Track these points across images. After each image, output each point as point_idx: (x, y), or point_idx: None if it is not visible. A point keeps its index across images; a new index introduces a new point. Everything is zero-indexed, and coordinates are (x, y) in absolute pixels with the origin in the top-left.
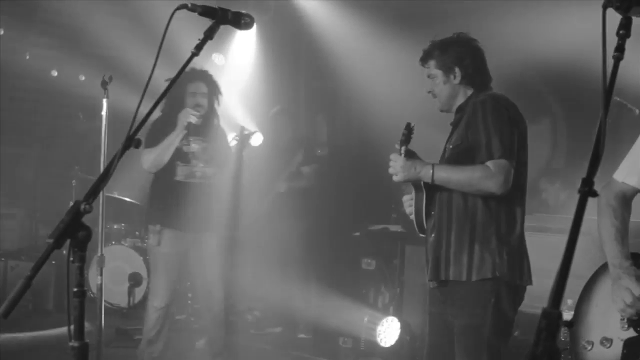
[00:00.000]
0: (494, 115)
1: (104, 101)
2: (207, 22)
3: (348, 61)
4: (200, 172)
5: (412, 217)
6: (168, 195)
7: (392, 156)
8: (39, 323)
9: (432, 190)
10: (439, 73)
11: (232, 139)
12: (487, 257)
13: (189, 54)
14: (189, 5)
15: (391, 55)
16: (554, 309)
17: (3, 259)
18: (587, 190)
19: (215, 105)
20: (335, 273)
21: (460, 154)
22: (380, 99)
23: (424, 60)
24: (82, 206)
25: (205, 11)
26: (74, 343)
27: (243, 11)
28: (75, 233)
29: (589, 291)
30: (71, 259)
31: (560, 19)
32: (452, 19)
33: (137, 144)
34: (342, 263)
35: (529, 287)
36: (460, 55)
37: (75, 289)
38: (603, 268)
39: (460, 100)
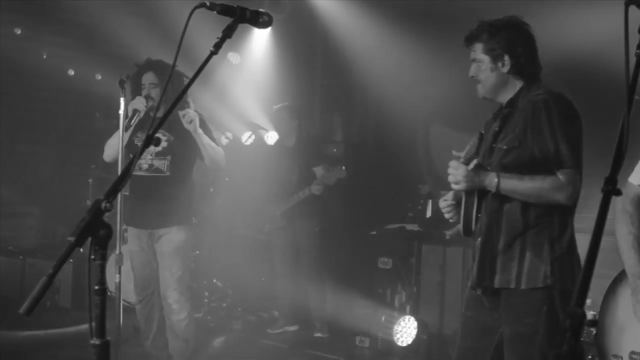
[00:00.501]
0: (561, 119)
1: (122, 100)
2: (222, 21)
3: (364, 59)
4: (147, 164)
5: (456, 219)
6: (129, 192)
7: (453, 164)
8: (57, 320)
9: (482, 194)
10: (485, 59)
11: (247, 137)
12: (538, 265)
13: (206, 52)
14: (208, 3)
15: (408, 53)
16: (578, 309)
17: (21, 257)
18: (610, 189)
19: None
20: (351, 272)
21: (520, 159)
22: (396, 98)
23: (470, 41)
24: (103, 204)
25: (223, 10)
26: (95, 340)
27: (261, 10)
28: (96, 231)
29: (610, 302)
30: (92, 257)
31: (578, 16)
32: (469, 16)
33: (157, 143)
34: (358, 262)
35: None
36: (511, 41)
37: (96, 287)
38: (622, 275)
39: (509, 92)
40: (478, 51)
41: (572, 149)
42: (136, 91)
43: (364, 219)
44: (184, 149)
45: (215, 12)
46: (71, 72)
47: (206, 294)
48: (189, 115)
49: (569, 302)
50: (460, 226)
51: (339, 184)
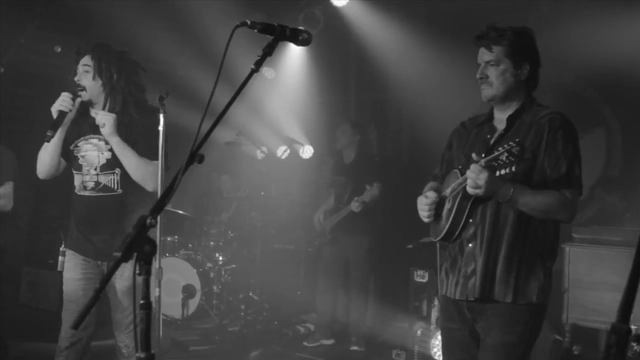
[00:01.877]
0: (575, 141)
1: (161, 116)
2: (246, 35)
3: (398, 72)
4: (92, 182)
5: (438, 222)
6: (71, 212)
7: (476, 168)
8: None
9: (476, 200)
10: (507, 62)
11: (282, 151)
12: (533, 281)
13: (237, 68)
14: (249, 22)
15: (443, 66)
16: (622, 324)
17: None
18: None
19: (118, 85)
20: (387, 285)
21: (528, 172)
22: (431, 110)
23: (493, 42)
24: (148, 220)
25: (264, 28)
26: (141, 354)
27: (301, 27)
28: (141, 247)
29: None
30: (137, 272)
31: (614, 28)
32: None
33: (200, 160)
34: (394, 275)
35: (585, 301)
36: (531, 50)
37: (141, 302)
38: None
39: (514, 101)
40: (499, 53)
41: (580, 172)
42: (72, 84)
43: (399, 232)
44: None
45: (256, 30)
46: None
47: (242, 307)
48: (99, 118)
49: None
50: (442, 229)
51: (377, 200)
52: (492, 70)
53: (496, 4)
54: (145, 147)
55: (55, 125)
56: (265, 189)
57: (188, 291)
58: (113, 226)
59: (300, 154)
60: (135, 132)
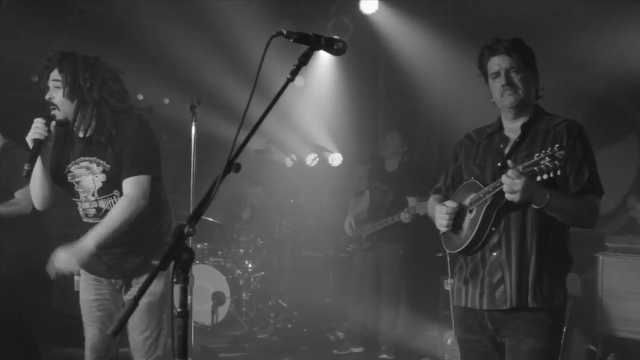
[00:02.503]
0: (591, 148)
1: (193, 125)
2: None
3: (427, 80)
4: (93, 209)
5: (457, 232)
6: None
7: (513, 173)
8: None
9: (502, 208)
10: (526, 70)
11: (311, 159)
12: (557, 287)
13: (266, 76)
14: (284, 32)
15: (472, 73)
16: None
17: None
18: None
19: (90, 97)
20: (417, 294)
21: (552, 179)
22: (460, 118)
23: (510, 50)
24: (186, 229)
25: (300, 38)
26: None
27: (336, 37)
28: (179, 255)
29: None
30: (175, 280)
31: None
32: (537, 37)
33: (237, 169)
34: (424, 284)
35: (619, 311)
36: (535, 62)
37: (179, 310)
38: None
39: (527, 112)
40: (517, 60)
41: (599, 178)
42: (45, 107)
43: (429, 240)
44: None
45: (291, 40)
46: (140, 97)
47: (272, 314)
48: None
49: None
50: (465, 240)
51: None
52: (516, 76)
53: (525, 10)
54: (132, 164)
55: (32, 157)
56: (295, 197)
57: (217, 298)
58: (124, 246)
59: (330, 162)
60: (119, 148)
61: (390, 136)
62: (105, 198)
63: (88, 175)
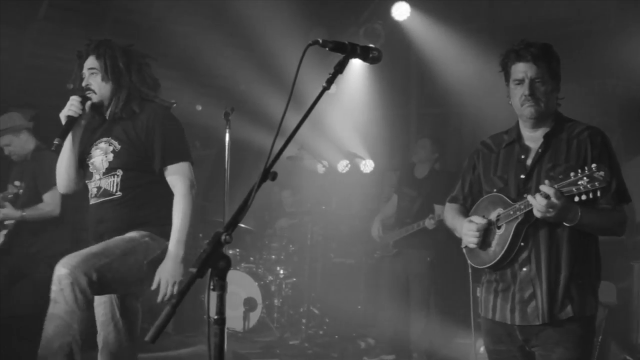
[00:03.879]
0: (616, 156)
1: (227, 132)
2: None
3: (459, 87)
4: (95, 188)
5: (484, 248)
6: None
7: (550, 192)
8: (158, 345)
9: (536, 224)
10: (550, 81)
11: (343, 166)
12: (589, 296)
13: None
14: (320, 41)
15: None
16: None
17: None
18: None
19: (125, 81)
20: (448, 301)
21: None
22: (492, 125)
23: (537, 58)
24: (223, 237)
25: (335, 47)
26: None
27: (371, 45)
28: (216, 262)
29: None
30: (212, 287)
31: None
32: (571, 43)
33: (274, 177)
34: (455, 291)
35: None
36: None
37: (215, 317)
38: None
39: (548, 118)
40: (542, 70)
41: (625, 185)
42: (80, 89)
43: (458, 247)
44: (136, 155)
45: (327, 49)
46: (199, 108)
47: (303, 321)
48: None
49: None
50: (494, 256)
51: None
52: (539, 87)
53: (560, 16)
54: (163, 149)
55: (63, 132)
56: (326, 203)
57: (249, 304)
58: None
59: (361, 168)
60: (139, 129)
61: (421, 143)
62: (106, 177)
63: (100, 156)
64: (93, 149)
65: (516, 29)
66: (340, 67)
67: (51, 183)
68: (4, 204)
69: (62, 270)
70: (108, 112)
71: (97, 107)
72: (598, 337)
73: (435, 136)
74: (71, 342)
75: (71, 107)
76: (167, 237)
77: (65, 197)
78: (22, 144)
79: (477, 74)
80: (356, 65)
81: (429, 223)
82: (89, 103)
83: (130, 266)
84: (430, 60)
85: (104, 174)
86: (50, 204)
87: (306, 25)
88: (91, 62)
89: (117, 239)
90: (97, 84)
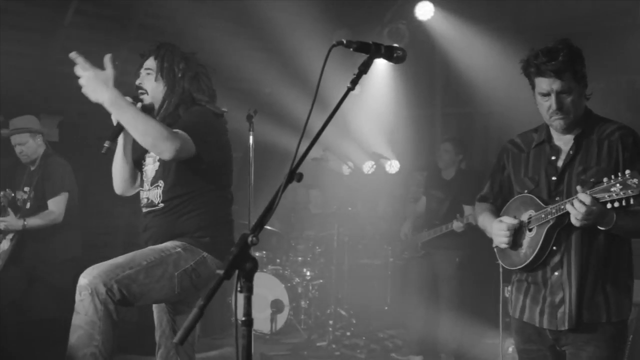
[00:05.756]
0: None
1: (250, 134)
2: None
3: (484, 86)
4: (145, 199)
5: (515, 249)
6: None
7: (585, 199)
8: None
9: (569, 228)
10: (577, 88)
11: (369, 167)
12: (624, 298)
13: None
14: (344, 42)
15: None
16: None
17: None
18: None
19: (179, 86)
20: (477, 301)
21: None
22: (518, 125)
23: (560, 69)
24: (250, 238)
25: (360, 47)
26: None
27: (395, 45)
28: (243, 264)
29: None
30: (239, 289)
31: None
32: (597, 39)
33: (299, 178)
34: (484, 291)
35: None
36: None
37: (243, 318)
38: None
39: (580, 121)
40: (568, 81)
41: None
42: (134, 89)
43: (488, 248)
44: (180, 165)
45: (351, 49)
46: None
47: (330, 322)
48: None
49: None
50: (525, 258)
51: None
52: (566, 99)
53: (585, 12)
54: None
55: (113, 134)
56: (352, 204)
57: (276, 306)
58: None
59: (387, 169)
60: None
61: (444, 147)
62: (153, 188)
63: (150, 164)
64: (147, 155)
65: (541, 27)
66: (364, 68)
67: (57, 189)
68: (8, 211)
69: (82, 280)
70: (158, 117)
71: (149, 110)
72: (629, 336)
73: (457, 138)
74: (95, 353)
75: None
76: (203, 248)
77: (72, 203)
78: (35, 147)
79: (502, 72)
80: (380, 65)
81: (457, 226)
82: (139, 104)
83: (158, 277)
84: (455, 59)
85: (151, 184)
86: (53, 211)
87: (330, 26)
88: (149, 62)
89: (148, 249)
90: (150, 85)
